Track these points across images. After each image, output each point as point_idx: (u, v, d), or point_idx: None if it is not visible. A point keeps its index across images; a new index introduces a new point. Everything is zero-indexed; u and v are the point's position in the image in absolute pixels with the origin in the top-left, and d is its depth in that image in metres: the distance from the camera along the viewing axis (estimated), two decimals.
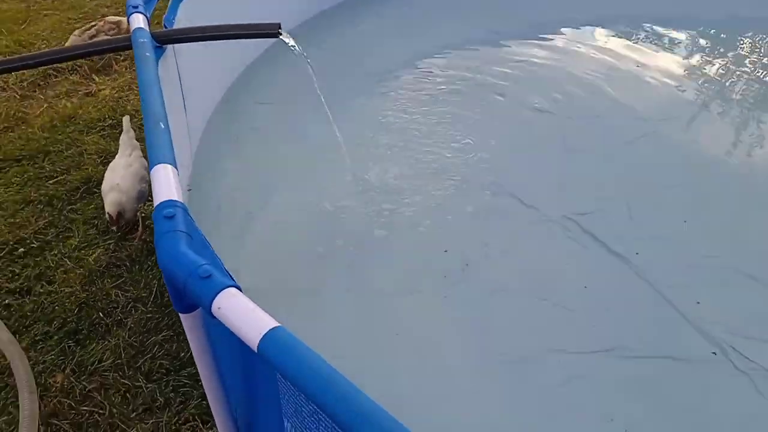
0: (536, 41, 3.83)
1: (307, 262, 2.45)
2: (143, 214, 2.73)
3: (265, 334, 0.98)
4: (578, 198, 2.70)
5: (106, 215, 2.54)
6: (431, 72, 3.61)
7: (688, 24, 4.13)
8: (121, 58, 4.14)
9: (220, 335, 1.18)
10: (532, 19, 4.12)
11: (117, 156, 2.74)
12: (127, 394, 2.12)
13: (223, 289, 1.04)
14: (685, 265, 2.39)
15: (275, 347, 0.97)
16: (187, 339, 2.27)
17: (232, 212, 2.62)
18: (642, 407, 1.91)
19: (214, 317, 1.05)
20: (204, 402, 2.05)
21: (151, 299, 2.43)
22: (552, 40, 3.85)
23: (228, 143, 3.02)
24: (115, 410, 2.07)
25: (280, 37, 2.13)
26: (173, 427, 2.00)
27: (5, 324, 2.31)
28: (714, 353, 2.05)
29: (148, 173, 2.68)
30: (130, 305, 2.42)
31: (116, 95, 3.79)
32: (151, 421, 2.03)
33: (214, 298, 1.03)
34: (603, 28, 4.08)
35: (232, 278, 1.09)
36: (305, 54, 2.32)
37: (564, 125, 3.15)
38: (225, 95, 3.34)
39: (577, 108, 3.27)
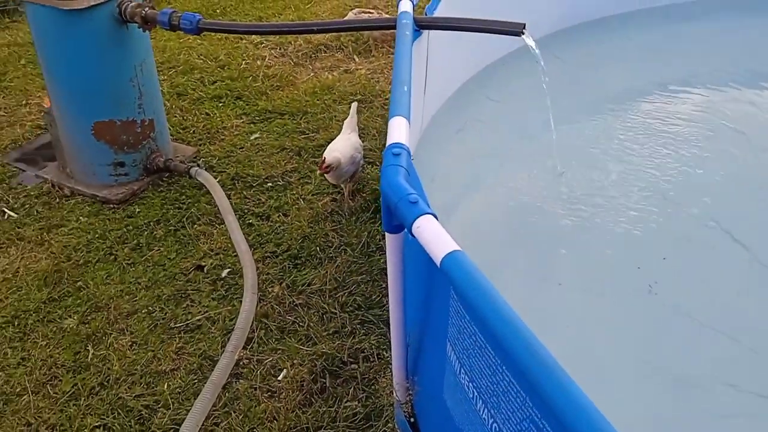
0: None
1: (497, 246, 2.63)
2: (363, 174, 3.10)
3: (449, 252, 1.20)
4: None
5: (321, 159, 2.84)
6: (667, 99, 3.55)
7: None
8: (379, 45, 4.65)
9: (414, 254, 1.43)
10: None
11: (338, 137, 3.07)
12: (324, 316, 2.50)
13: (424, 214, 1.29)
14: None
15: (454, 265, 1.19)
16: (378, 284, 2.62)
17: (442, 188, 2.88)
18: None
19: (413, 236, 1.30)
20: (382, 338, 2.35)
21: (359, 247, 2.80)
22: None
23: (454, 129, 3.30)
24: (312, 325, 2.45)
25: (522, 36, 2.32)
26: (353, 350, 2.33)
27: (246, 238, 2.84)
28: None
29: (361, 149, 3.00)
30: (341, 247, 2.81)
31: (369, 75, 4.29)
32: (337, 341, 2.38)
33: (415, 219, 1.28)
34: None
35: (432, 210, 1.32)
36: (540, 55, 2.48)
37: None
38: (462, 86, 3.62)
39: None
